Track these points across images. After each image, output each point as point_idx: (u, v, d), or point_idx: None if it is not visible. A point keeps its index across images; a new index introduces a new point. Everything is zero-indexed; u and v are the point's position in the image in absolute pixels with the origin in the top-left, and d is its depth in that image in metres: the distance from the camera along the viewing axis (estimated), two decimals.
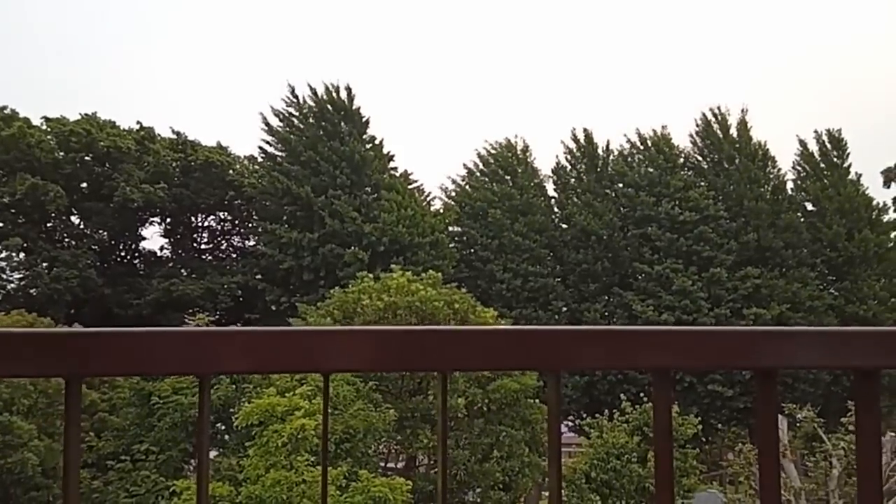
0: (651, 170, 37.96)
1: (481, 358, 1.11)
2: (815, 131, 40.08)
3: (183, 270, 35.43)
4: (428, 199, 39.29)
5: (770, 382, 1.20)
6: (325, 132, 35.61)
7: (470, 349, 1.10)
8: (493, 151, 39.73)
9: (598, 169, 38.81)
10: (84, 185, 34.02)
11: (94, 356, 1.02)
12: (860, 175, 39.49)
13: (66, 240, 34.37)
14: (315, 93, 36.43)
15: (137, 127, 35.44)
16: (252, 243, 37.39)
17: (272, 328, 1.06)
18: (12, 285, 32.74)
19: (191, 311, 32.31)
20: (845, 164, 39.61)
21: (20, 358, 1.01)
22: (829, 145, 39.76)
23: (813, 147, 39.86)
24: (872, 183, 40.34)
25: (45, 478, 19.36)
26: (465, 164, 40.16)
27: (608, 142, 39.36)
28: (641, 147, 39.01)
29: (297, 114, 36.50)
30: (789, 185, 39.55)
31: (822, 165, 39.49)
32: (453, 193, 40.04)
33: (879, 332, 1.17)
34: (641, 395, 20.96)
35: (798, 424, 20.58)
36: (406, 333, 1.12)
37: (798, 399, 25.55)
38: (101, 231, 34.99)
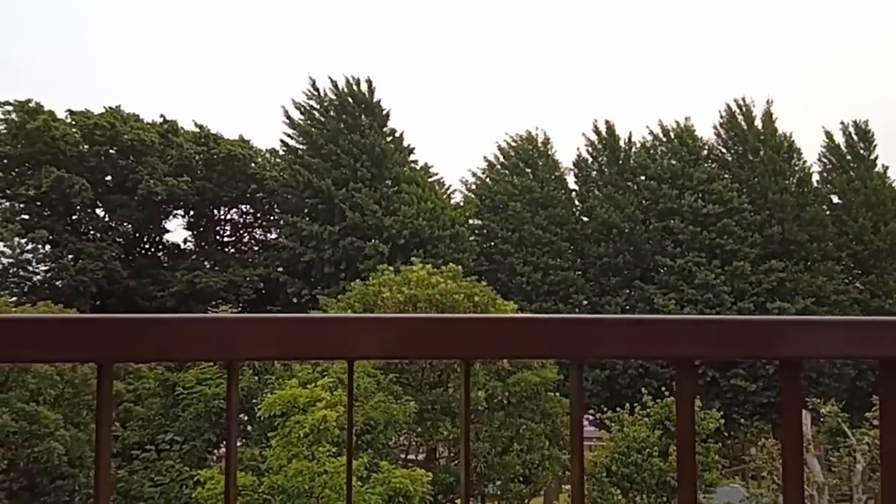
0: (674, 162, 37.65)
1: (503, 346, 1.12)
2: (842, 123, 39.57)
3: (206, 263, 35.76)
4: (448, 191, 39.30)
5: (794, 373, 1.20)
6: (346, 125, 35.71)
7: (492, 337, 1.11)
8: (513, 144, 39.61)
9: (620, 161, 38.55)
10: (108, 177, 34.41)
11: (126, 342, 1.04)
12: (887, 167, 38.96)
13: (91, 232, 34.80)
14: (336, 86, 36.54)
15: (161, 120, 35.75)
16: (274, 236, 37.63)
17: (298, 315, 1.08)
18: (38, 277, 33.24)
19: (214, 303, 32.64)
20: (872, 156, 39.05)
21: (53, 343, 1.03)
22: (855, 137, 39.20)
23: (839, 139, 39.34)
24: None
25: (71, 467, 19.67)
26: (485, 157, 40.14)
27: (630, 134, 39.13)
28: (664, 139, 38.70)
29: (318, 107, 36.63)
30: (815, 177, 39.09)
31: (849, 157, 38.96)
32: (473, 186, 40.00)
33: None
34: (663, 389, 20.87)
35: (822, 419, 20.38)
36: (428, 321, 1.13)
37: (822, 394, 25.30)
38: (125, 223, 35.39)
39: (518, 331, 1.13)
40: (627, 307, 36.21)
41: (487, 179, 39.53)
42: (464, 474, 1.21)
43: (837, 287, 35.99)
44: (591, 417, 33.13)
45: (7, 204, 33.05)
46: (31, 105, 33.39)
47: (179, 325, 1.05)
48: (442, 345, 1.12)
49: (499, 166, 39.66)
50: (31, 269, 33.07)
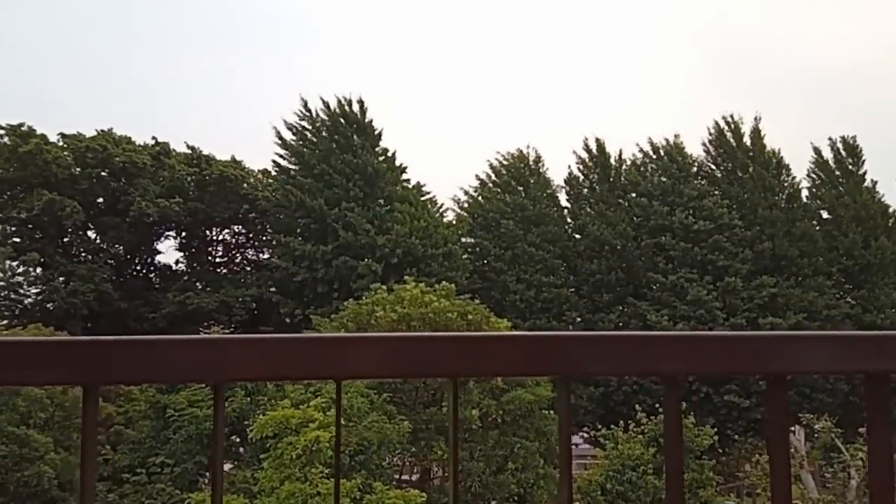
0: (664, 179, 37.86)
1: (491, 364, 1.12)
2: (830, 138, 39.89)
3: (198, 284, 35.63)
4: (441, 210, 39.35)
5: (781, 388, 1.20)
6: (338, 145, 35.80)
7: (480, 355, 1.11)
8: (505, 162, 39.78)
9: (611, 178, 38.75)
10: (100, 200, 34.34)
11: (111, 364, 1.04)
12: (876, 182, 39.24)
13: (83, 254, 34.67)
14: (328, 106, 36.66)
15: (153, 142, 35.76)
16: (266, 256, 37.56)
17: (285, 335, 1.08)
18: (29, 300, 33.04)
19: (206, 324, 32.48)
20: (861, 172, 39.35)
21: (38, 366, 1.03)
22: (843, 152, 39.52)
23: (828, 154, 39.66)
24: (889, 190, 40.03)
25: (62, 490, 19.44)
26: (477, 176, 40.27)
27: (620, 151, 39.35)
28: (654, 156, 38.94)
29: (310, 127, 36.72)
30: (804, 192, 39.33)
31: (838, 173, 39.25)
32: (466, 205, 40.10)
33: (890, 335, 1.17)
34: (657, 406, 20.82)
35: (816, 435, 20.37)
36: (417, 340, 1.14)
37: (816, 409, 25.31)
38: (116, 245, 35.28)
39: (506, 348, 1.14)
40: (620, 324, 36.23)
41: (479, 198, 39.65)
42: (452, 492, 1.21)
43: (829, 302, 36.12)
44: (585, 435, 33.01)
45: None
46: (23, 129, 33.37)
47: (166, 346, 1.05)
48: (430, 363, 1.13)
49: (491, 184, 39.80)
50: (22, 291, 32.89)
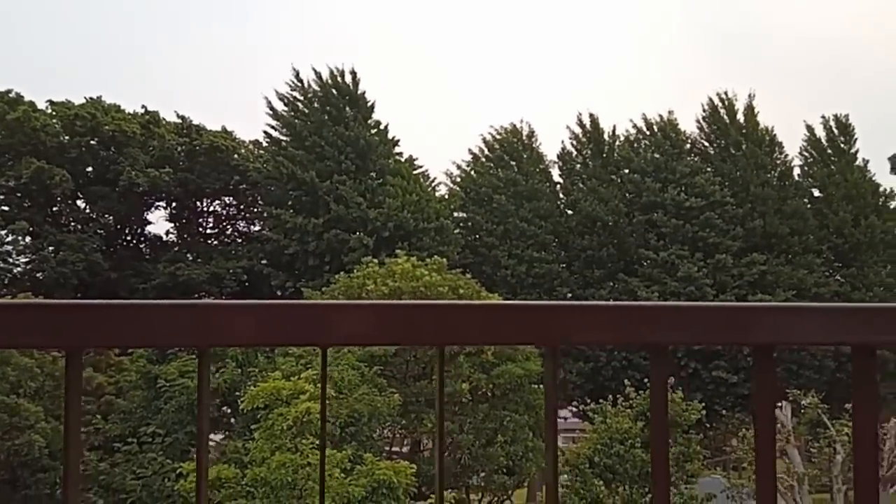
0: (657, 155, 37.82)
1: (478, 332, 1.11)
2: (823, 117, 39.90)
3: (188, 255, 35.52)
4: (433, 184, 39.24)
5: (767, 359, 1.20)
6: (330, 117, 35.54)
7: (466, 323, 1.10)
8: (498, 137, 39.62)
9: (604, 154, 38.68)
10: (89, 169, 34.06)
11: (95, 328, 1.03)
12: (867, 161, 39.35)
13: (72, 224, 34.46)
14: (320, 77, 36.34)
15: (142, 111, 35.40)
16: (257, 228, 37.43)
17: (270, 301, 1.07)
18: (18, 269, 32.89)
19: (196, 295, 32.43)
20: (852, 150, 39.42)
21: (20, 329, 1.01)
22: (836, 131, 39.54)
23: (820, 133, 39.68)
24: (879, 169, 40.07)
25: (52, 460, 19.53)
26: (470, 150, 40.13)
27: (614, 127, 39.25)
28: (648, 132, 38.85)
29: (301, 98, 36.42)
30: (796, 171, 39.41)
31: (829, 151, 39.31)
32: (458, 179, 39.98)
33: (877, 307, 1.17)
34: (646, 381, 20.96)
35: (802, 411, 20.60)
36: (403, 307, 1.13)
37: (802, 385, 25.54)
38: (106, 215, 35.06)
39: (494, 317, 1.13)
40: (611, 299, 36.36)
41: (472, 172, 39.54)
42: (437, 463, 1.21)
43: (818, 280, 36.35)
44: (574, 409, 33.32)
45: None
46: (10, 95, 32.97)
47: (149, 310, 1.04)
48: (417, 331, 1.12)
49: (483, 159, 39.67)
50: (11, 260, 32.72)
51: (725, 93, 38.97)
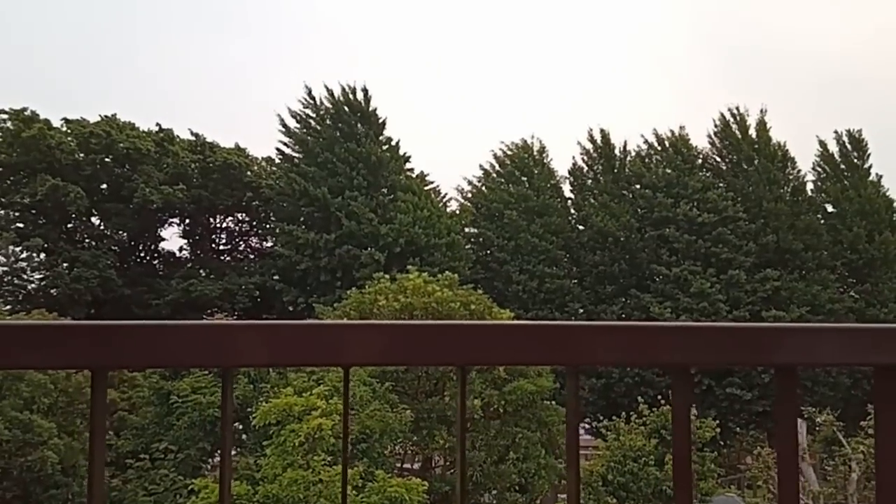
0: (669, 171, 37.75)
1: (498, 352, 1.12)
2: (836, 132, 39.74)
3: (201, 271, 35.68)
4: (444, 200, 39.33)
5: (790, 380, 1.20)
6: (342, 133, 35.74)
7: (487, 344, 1.11)
8: (509, 152, 39.68)
9: (615, 170, 38.64)
10: (104, 186, 34.36)
11: (120, 348, 1.04)
12: (881, 176, 39.11)
13: (87, 240, 34.71)
14: (332, 94, 36.59)
15: (157, 129, 35.72)
16: (269, 244, 37.57)
17: (292, 321, 1.08)
18: (33, 285, 33.12)
19: (209, 311, 32.56)
20: (866, 165, 39.21)
21: (47, 350, 1.03)
22: (849, 146, 39.37)
23: (833, 148, 39.50)
24: (893, 184, 40.01)
25: (65, 476, 19.54)
26: (481, 165, 40.19)
27: (625, 142, 39.23)
28: (659, 148, 38.81)
29: (313, 115, 36.66)
30: (809, 186, 39.20)
31: (843, 166, 39.11)
32: (469, 195, 40.04)
33: None
34: (659, 397, 20.82)
35: (817, 428, 20.39)
36: (423, 328, 1.13)
37: (817, 402, 25.32)
38: (120, 232, 35.32)
39: (514, 337, 1.13)
40: (623, 315, 36.21)
41: (483, 188, 39.58)
42: (459, 482, 1.21)
43: (832, 296, 36.06)
44: (587, 426, 33.07)
45: (2, 212, 32.97)
46: (26, 114, 33.35)
47: (173, 331, 1.05)
48: (437, 351, 1.12)
49: (494, 175, 39.72)
50: (25, 277, 32.96)
51: (737, 108, 38.96)
